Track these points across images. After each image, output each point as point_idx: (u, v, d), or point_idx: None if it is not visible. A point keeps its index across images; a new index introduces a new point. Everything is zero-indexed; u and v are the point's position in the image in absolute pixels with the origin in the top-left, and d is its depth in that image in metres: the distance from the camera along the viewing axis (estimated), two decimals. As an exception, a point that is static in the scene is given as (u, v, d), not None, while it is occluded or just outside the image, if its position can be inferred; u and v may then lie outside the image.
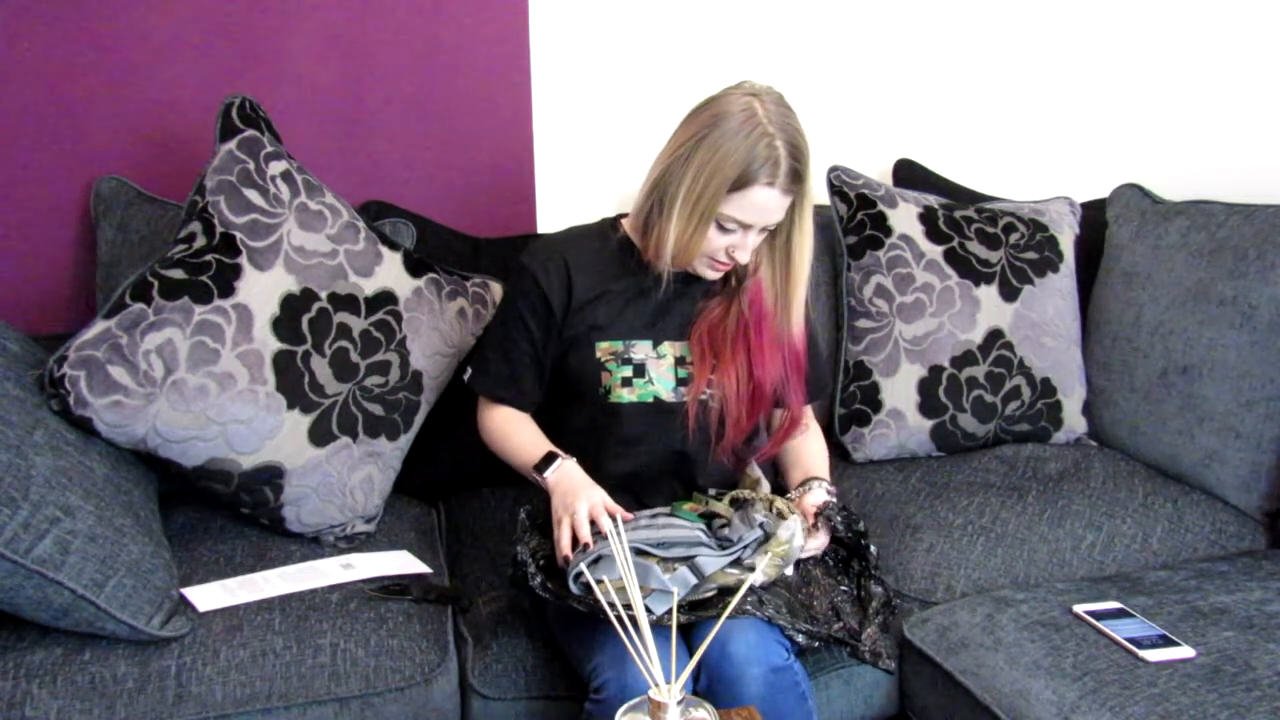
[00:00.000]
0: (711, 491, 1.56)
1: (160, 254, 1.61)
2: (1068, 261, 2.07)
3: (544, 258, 1.52)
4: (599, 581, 1.30)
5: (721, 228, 1.42)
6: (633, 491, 1.55)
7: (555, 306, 1.51)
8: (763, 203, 1.39)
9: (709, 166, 1.38)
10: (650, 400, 1.52)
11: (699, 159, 1.39)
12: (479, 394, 1.60)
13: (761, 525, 1.43)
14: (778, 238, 1.49)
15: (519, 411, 1.59)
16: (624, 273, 1.52)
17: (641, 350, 1.52)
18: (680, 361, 1.53)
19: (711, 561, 1.36)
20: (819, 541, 1.48)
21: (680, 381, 1.52)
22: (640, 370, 1.51)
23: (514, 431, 1.56)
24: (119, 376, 1.47)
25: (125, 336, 1.49)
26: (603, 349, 1.52)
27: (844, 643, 1.40)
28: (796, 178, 1.39)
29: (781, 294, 1.51)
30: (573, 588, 1.35)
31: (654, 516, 1.47)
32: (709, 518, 1.49)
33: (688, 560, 1.36)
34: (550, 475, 1.47)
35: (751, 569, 1.37)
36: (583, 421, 1.56)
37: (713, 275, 1.50)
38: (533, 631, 1.50)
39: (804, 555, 1.46)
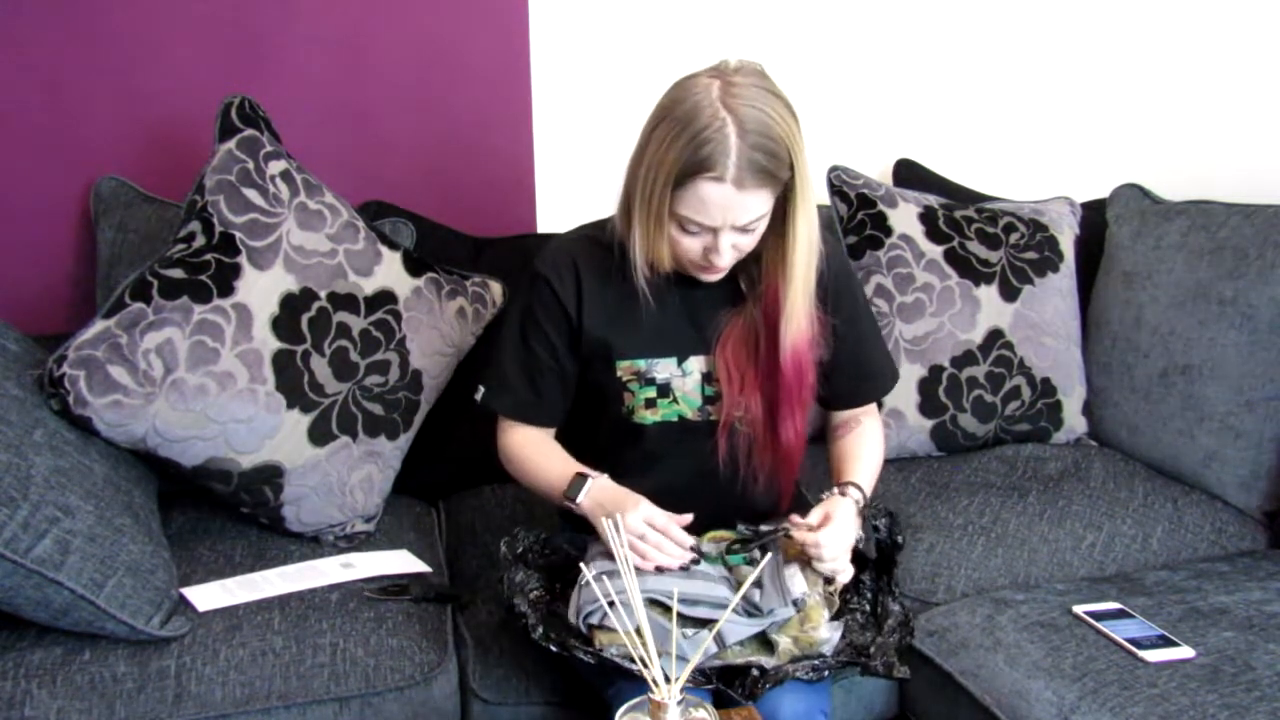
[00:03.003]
0: (743, 528, 1.38)
1: (160, 254, 1.61)
2: (1068, 261, 2.07)
3: (555, 263, 1.41)
4: (607, 628, 1.24)
5: (685, 229, 1.27)
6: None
7: (572, 313, 1.40)
8: (714, 199, 1.22)
9: (655, 161, 1.23)
10: (675, 420, 1.42)
11: (649, 154, 1.25)
12: (498, 415, 1.47)
13: (795, 603, 1.29)
14: (771, 238, 1.33)
15: (541, 432, 1.47)
16: (630, 281, 1.37)
17: (665, 369, 1.41)
18: (708, 378, 1.41)
19: (736, 630, 1.27)
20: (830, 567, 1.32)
21: (707, 399, 1.42)
22: (664, 390, 1.41)
23: (539, 459, 1.44)
24: (118, 376, 1.47)
25: (125, 336, 1.49)
26: (624, 368, 1.41)
27: (853, 663, 1.32)
28: (760, 171, 1.21)
29: (784, 301, 1.34)
30: (579, 626, 1.28)
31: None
32: (743, 542, 1.36)
33: (710, 624, 1.25)
34: (584, 500, 1.35)
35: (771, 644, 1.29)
36: (604, 438, 1.46)
37: (708, 278, 1.35)
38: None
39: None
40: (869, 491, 1.44)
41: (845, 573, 1.33)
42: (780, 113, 1.23)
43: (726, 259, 1.29)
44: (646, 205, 1.27)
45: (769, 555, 1.31)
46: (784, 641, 1.29)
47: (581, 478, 1.36)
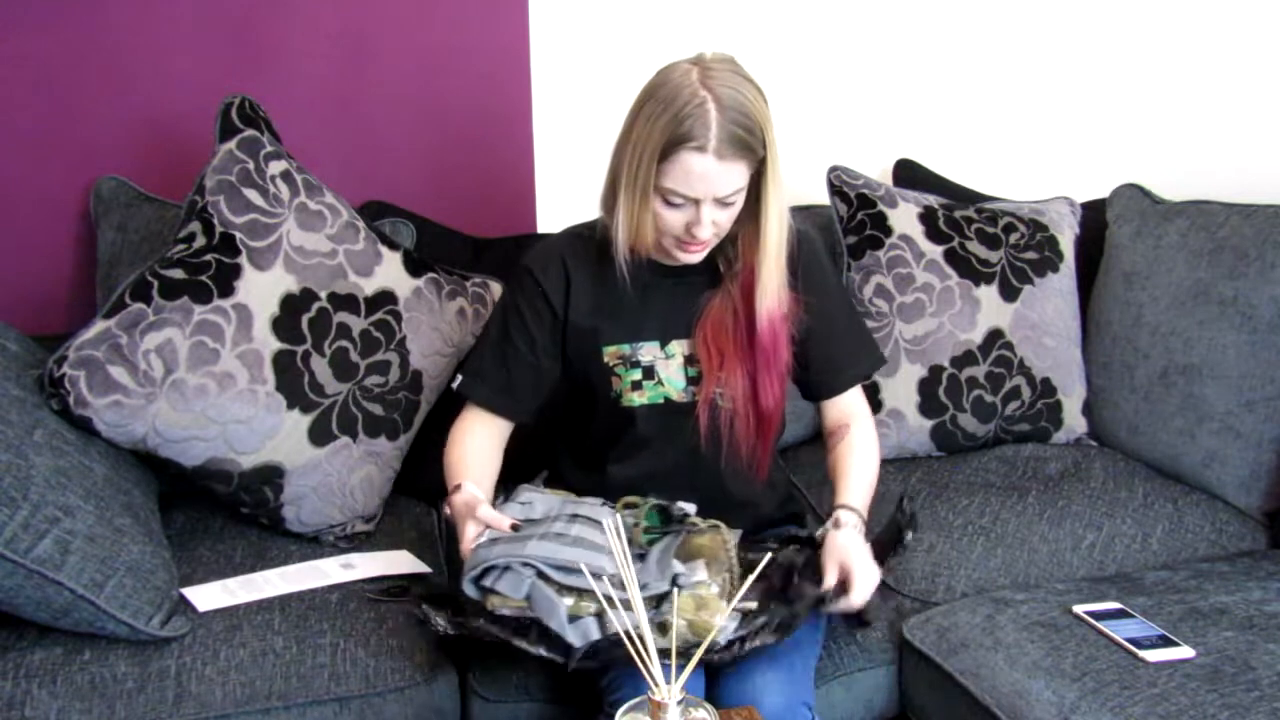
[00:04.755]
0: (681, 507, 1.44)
1: (160, 254, 1.61)
2: (1068, 261, 2.07)
3: (543, 259, 1.49)
4: (494, 592, 1.27)
5: (668, 202, 1.35)
6: (646, 497, 1.49)
7: (556, 307, 1.48)
8: (696, 169, 1.31)
9: (642, 138, 1.32)
10: (661, 401, 1.48)
11: (635, 133, 1.34)
12: (468, 401, 1.51)
13: (675, 578, 1.30)
14: (747, 218, 1.41)
15: (492, 437, 1.51)
16: (616, 270, 1.45)
17: (649, 352, 1.48)
18: (690, 360, 1.48)
19: (616, 620, 1.18)
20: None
21: (690, 380, 1.48)
22: (649, 372, 1.48)
23: (455, 463, 1.47)
24: (119, 376, 1.47)
25: (125, 336, 1.49)
26: (610, 353, 1.48)
27: (817, 608, 1.34)
28: (738, 144, 1.31)
29: (759, 271, 1.42)
30: (468, 589, 1.29)
31: (572, 519, 1.37)
32: (662, 520, 1.41)
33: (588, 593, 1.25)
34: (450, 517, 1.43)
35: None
36: (597, 426, 1.53)
37: (688, 258, 1.42)
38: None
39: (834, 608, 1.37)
40: (865, 505, 1.48)
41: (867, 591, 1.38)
42: (753, 94, 1.33)
43: (707, 232, 1.37)
44: (633, 181, 1.35)
45: (670, 541, 1.37)
46: (679, 624, 1.27)
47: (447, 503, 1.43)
